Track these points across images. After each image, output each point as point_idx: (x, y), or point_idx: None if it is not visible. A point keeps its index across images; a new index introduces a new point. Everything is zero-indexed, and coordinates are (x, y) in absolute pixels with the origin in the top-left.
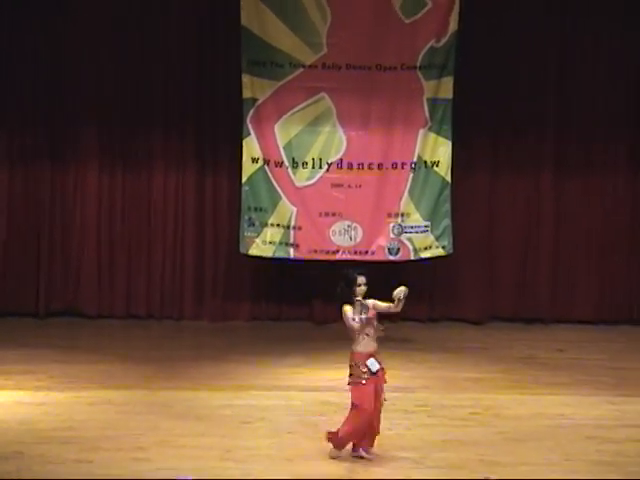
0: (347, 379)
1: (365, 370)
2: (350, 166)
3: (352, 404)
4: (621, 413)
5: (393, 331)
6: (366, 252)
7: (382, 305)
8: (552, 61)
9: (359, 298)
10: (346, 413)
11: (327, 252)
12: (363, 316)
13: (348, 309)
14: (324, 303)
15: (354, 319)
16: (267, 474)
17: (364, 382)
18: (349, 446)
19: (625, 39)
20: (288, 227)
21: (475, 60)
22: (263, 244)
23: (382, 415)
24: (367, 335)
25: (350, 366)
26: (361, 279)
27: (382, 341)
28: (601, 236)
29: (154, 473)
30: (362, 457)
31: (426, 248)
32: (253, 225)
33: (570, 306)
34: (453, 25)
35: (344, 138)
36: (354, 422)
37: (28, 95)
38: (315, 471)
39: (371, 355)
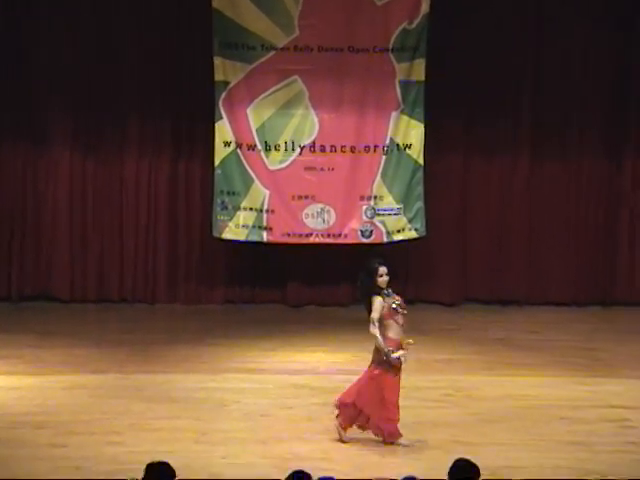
0: (375, 364)
1: (397, 358)
2: (323, 149)
3: (379, 391)
4: (593, 394)
5: (366, 313)
6: (339, 235)
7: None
8: (527, 43)
9: (383, 287)
10: (328, 397)
11: (300, 235)
12: (394, 305)
13: (379, 300)
14: (298, 286)
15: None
16: (242, 456)
17: (392, 369)
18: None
19: (600, 24)
20: (261, 210)
21: (448, 42)
22: (236, 227)
23: None
24: (397, 323)
25: (380, 350)
26: (382, 269)
27: (356, 323)
28: (575, 218)
29: (128, 456)
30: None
31: (399, 231)
32: (226, 209)
33: (544, 288)
34: (425, 7)
35: (316, 121)
36: (380, 409)
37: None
38: (289, 453)
39: (400, 343)
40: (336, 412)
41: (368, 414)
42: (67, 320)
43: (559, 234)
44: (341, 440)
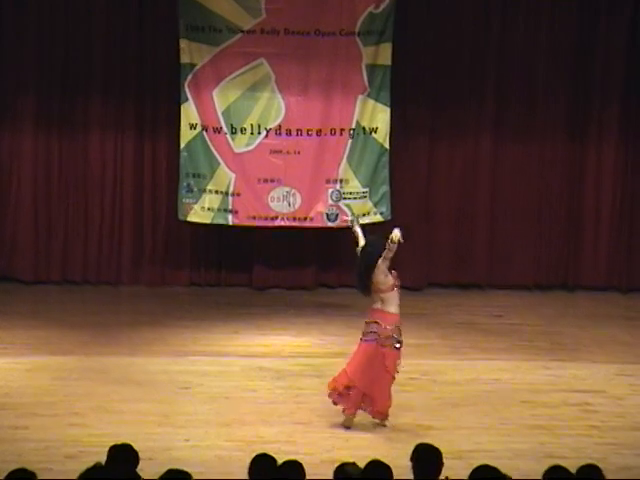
0: (381, 340)
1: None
2: (289, 132)
3: (385, 368)
4: (556, 378)
5: (331, 297)
6: (305, 218)
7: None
8: (492, 26)
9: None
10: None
11: (266, 218)
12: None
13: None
14: (263, 269)
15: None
16: (205, 439)
17: (398, 346)
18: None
19: (564, 6)
20: (227, 193)
21: (413, 26)
22: (202, 210)
23: (318, 381)
24: (397, 295)
25: (387, 327)
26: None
27: (321, 307)
28: (538, 202)
29: (91, 439)
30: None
31: (364, 214)
32: (191, 191)
33: (507, 272)
34: None
35: (283, 104)
36: (388, 388)
37: None
38: (253, 435)
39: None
40: (341, 407)
41: (372, 395)
42: (30, 301)
43: (523, 218)
44: (346, 426)
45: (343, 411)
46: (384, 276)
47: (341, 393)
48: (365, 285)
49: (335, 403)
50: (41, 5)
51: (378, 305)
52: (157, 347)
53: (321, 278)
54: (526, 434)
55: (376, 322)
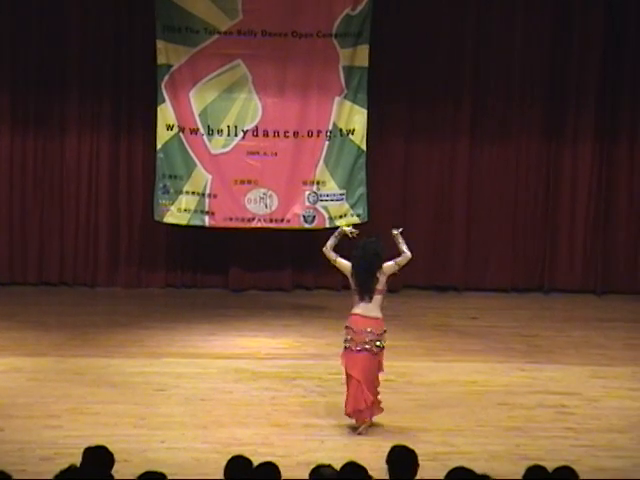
0: (380, 346)
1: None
2: (266, 134)
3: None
4: (532, 380)
5: (308, 299)
6: (282, 220)
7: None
8: (469, 28)
9: None
10: (269, 382)
11: (242, 220)
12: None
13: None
14: (240, 271)
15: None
16: (181, 441)
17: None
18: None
19: (541, 6)
20: (203, 195)
21: (389, 28)
22: (178, 212)
23: (295, 382)
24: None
25: (385, 332)
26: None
27: (298, 308)
28: (514, 204)
29: (67, 440)
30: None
31: (341, 216)
32: (168, 192)
33: (483, 274)
34: None
35: (260, 105)
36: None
37: None
38: (229, 437)
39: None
40: (362, 425)
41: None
42: (6, 303)
43: (499, 220)
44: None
45: (363, 421)
46: (384, 277)
47: (364, 409)
48: (372, 286)
49: (364, 420)
50: (15, 3)
51: (376, 313)
52: (133, 349)
53: (298, 280)
54: (502, 436)
55: (371, 331)
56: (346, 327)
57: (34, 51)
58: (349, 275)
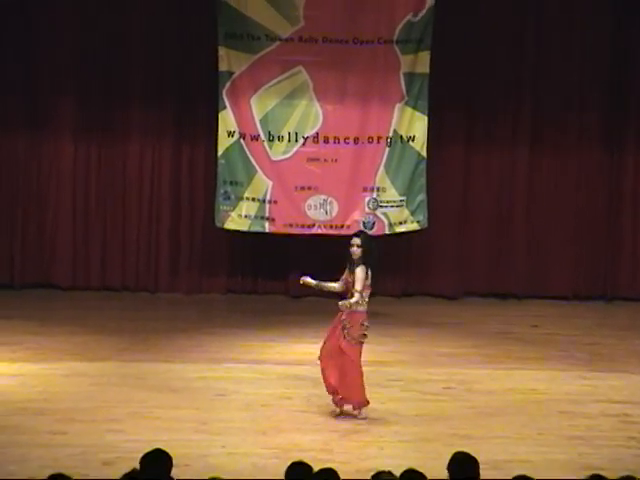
0: (355, 338)
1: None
2: (326, 140)
3: (353, 362)
4: (593, 388)
5: (368, 305)
6: (342, 226)
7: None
8: (529, 35)
9: (354, 258)
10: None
11: (303, 226)
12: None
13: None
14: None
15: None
16: (241, 446)
17: (363, 341)
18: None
19: (599, 16)
20: (263, 201)
21: (450, 34)
22: (239, 218)
23: None
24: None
25: (361, 325)
26: (353, 240)
27: None
28: (576, 211)
29: (128, 444)
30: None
31: (401, 223)
32: (229, 199)
33: (544, 281)
34: (430, 0)
35: (320, 112)
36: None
37: (3, 63)
38: (289, 443)
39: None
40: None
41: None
42: (69, 308)
43: (560, 227)
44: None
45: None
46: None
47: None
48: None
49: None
50: (82, 10)
51: (364, 307)
52: (194, 354)
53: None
54: (564, 445)
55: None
56: (366, 325)
57: (98, 59)
58: (369, 278)
